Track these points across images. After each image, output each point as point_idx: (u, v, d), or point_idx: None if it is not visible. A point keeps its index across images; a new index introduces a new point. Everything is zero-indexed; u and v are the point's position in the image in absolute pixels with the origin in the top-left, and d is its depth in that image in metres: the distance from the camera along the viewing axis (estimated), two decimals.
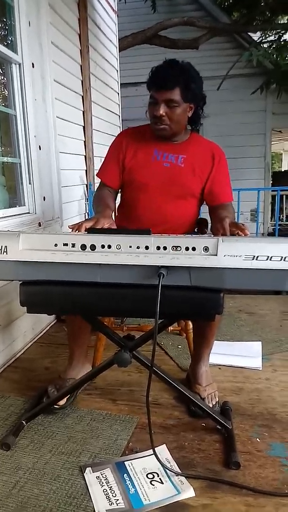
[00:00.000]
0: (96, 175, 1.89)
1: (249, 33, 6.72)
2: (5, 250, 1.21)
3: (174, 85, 1.60)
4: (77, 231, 1.38)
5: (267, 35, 6.53)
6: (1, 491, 1.24)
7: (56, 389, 1.65)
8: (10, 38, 2.27)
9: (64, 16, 2.81)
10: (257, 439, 1.46)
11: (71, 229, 1.40)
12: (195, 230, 1.91)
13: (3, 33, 2.33)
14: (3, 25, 2.31)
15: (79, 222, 1.45)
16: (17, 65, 2.25)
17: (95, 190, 1.91)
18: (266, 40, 6.51)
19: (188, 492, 1.22)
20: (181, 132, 1.73)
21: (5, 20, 2.27)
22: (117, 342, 1.47)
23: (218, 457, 1.37)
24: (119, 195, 1.87)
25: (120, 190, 1.84)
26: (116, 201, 1.88)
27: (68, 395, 1.63)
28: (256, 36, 6.71)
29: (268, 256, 1.11)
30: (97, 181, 1.90)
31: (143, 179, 1.72)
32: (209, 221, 1.80)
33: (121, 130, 4.05)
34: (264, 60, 5.89)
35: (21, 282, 1.29)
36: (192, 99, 1.67)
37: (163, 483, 1.26)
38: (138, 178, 1.73)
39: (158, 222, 1.67)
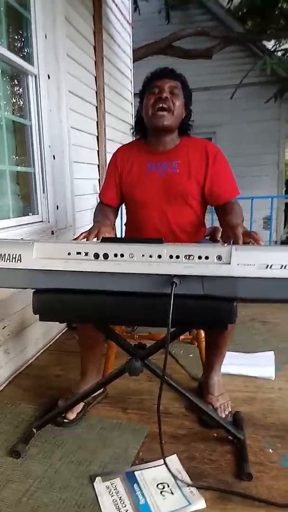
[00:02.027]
0: (98, 195, 1.93)
1: (263, 42, 6.73)
2: (19, 259, 1.22)
3: (177, 77, 1.70)
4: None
5: (281, 44, 6.55)
6: (11, 498, 1.24)
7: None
8: (26, 50, 2.32)
9: (79, 29, 2.86)
10: (270, 450, 1.44)
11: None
12: (207, 238, 1.91)
13: (20, 45, 2.38)
14: (20, 37, 2.36)
15: (82, 233, 1.47)
16: (33, 77, 2.30)
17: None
18: (280, 49, 6.53)
19: (199, 504, 1.21)
20: (175, 130, 1.73)
21: (21, 32, 2.32)
22: (128, 351, 1.47)
23: (230, 468, 1.36)
24: (124, 212, 1.89)
25: (125, 207, 1.87)
26: (119, 217, 1.91)
27: (79, 410, 1.63)
28: (270, 45, 6.73)
29: (282, 265, 1.09)
30: None
31: (141, 195, 1.73)
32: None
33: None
34: (278, 69, 5.90)
35: (34, 290, 1.30)
36: (187, 100, 1.72)
37: (173, 494, 1.25)
38: (136, 195, 1.74)
39: (163, 232, 1.68)
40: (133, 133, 1.86)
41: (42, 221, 2.39)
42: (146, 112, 1.70)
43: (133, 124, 1.84)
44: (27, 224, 2.23)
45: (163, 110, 1.64)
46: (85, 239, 1.44)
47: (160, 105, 1.64)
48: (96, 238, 1.46)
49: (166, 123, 1.66)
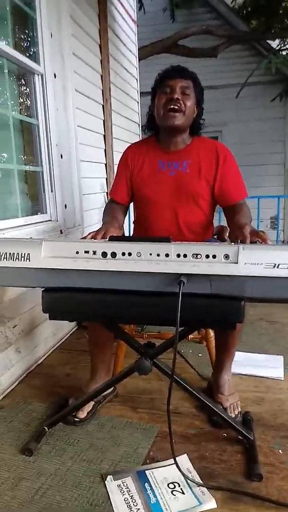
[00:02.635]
0: (108, 194, 1.92)
1: (267, 41, 6.69)
2: (28, 258, 1.23)
3: (189, 76, 1.69)
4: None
5: (285, 43, 6.51)
6: (24, 496, 1.25)
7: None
8: (32, 50, 2.32)
9: (85, 27, 2.86)
10: (280, 450, 1.43)
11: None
12: (215, 237, 1.90)
13: (26, 44, 2.38)
14: (26, 36, 2.37)
15: (90, 233, 1.47)
16: (40, 76, 2.30)
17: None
18: (285, 48, 6.49)
19: (209, 503, 1.20)
20: (186, 129, 1.73)
21: (28, 32, 2.33)
22: (137, 350, 1.47)
23: (240, 468, 1.35)
24: (132, 210, 1.89)
25: (134, 205, 1.86)
26: (127, 215, 1.91)
27: (90, 409, 1.63)
28: (274, 44, 6.69)
29: None
30: None
31: (151, 194, 1.73)
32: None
33: (140, 138, 4.09)
34: (283, 67, 5.87)
35: (43, 289, 1.30)
36: (199, 99, 1.72)
37: (184, 494, 1.25)
38: (147, 194, 1.74)
39: (172, 231, 1.67)
40: (144, 130, 1.86)
41: (50, 220, 2.40)
42: (157, 112, 1.70)
43: (146, 121, 1.83)
44: (35, 223, 2.23)
45: (175, 111, 1.64)
46: (92, 239, 1.44)
47: (172, 106, 1.64)
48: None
49: (177, 123, 1.66)
